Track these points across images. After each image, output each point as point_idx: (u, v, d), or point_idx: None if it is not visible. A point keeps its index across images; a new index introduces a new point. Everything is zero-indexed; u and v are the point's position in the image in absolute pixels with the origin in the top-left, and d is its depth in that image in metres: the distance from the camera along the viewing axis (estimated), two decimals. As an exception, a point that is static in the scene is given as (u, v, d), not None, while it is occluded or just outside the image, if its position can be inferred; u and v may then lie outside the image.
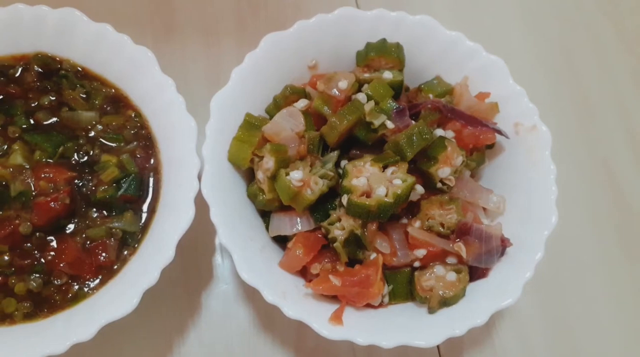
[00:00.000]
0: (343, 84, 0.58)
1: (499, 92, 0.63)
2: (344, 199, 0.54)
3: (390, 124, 0.57)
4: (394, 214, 0.56)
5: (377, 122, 0.56)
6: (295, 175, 0.54)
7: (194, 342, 0.62)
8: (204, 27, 0.76)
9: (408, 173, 0.55)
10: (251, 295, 0.64)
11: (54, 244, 0.54)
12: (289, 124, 0.58)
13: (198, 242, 0.65)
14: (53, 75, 0.61)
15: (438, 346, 0.64)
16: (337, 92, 0.58)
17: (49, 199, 0.54)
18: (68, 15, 0.60)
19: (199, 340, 0.62)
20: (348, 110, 0.57)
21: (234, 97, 0.59)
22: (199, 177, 0.55)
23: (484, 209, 0.61)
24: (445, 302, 0.55)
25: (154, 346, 0.61)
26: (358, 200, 0.53)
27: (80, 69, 0.62)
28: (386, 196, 0.53)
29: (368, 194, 0.54)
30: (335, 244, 0.54)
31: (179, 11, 0.77)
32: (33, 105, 0.60)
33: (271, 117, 0.62)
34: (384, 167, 0.55)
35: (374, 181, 0.54)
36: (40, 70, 0.61)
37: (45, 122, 0.59)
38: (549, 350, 0.65)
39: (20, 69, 0.61)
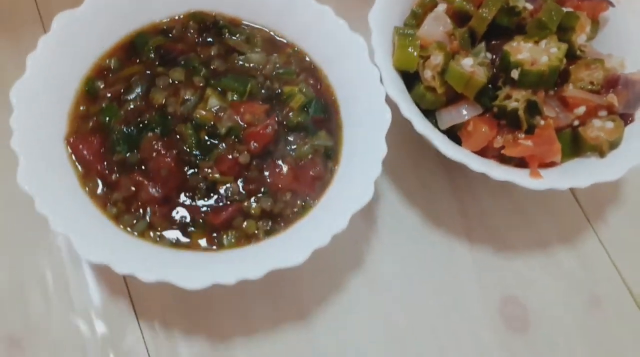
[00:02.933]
0: (480, -21, 0.65)
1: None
2: (515, 73, 0.61)
3: (529, 5, 0.64)
4: (547, 83, 0.63)
5: (520, 5, 0.64)
6: (467, 62, 0.61)
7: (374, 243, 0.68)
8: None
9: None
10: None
11: (270, 168, 0.59)
12: (437, 27, 0.65)
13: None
14: (211, 28, 0.66)
15: (578, 201, 0.73)
16: (476, -12, 0.65)
17: (262, 126, 0.59)
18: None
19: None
20: (491, 1, 0.64)
21: (383, 12, 0.65)
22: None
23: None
24: (612, 145, 0.64)
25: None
26: (531, 68, 0.61)
27: (233, 18, 0.66)
28: (549, 61, 0.61)
29: (534, 64, 0.61)
30: (519, 113, 0.61)
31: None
32: (202, 56, 0.64)
33: (410, 27, 0.69)
34: (536, 43, 0.63)
35: (534, 53, 0.62)
36: (197, 26, 0.65)
37: (222, 69, 0.63)
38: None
39: (180, 29, 0.65)
